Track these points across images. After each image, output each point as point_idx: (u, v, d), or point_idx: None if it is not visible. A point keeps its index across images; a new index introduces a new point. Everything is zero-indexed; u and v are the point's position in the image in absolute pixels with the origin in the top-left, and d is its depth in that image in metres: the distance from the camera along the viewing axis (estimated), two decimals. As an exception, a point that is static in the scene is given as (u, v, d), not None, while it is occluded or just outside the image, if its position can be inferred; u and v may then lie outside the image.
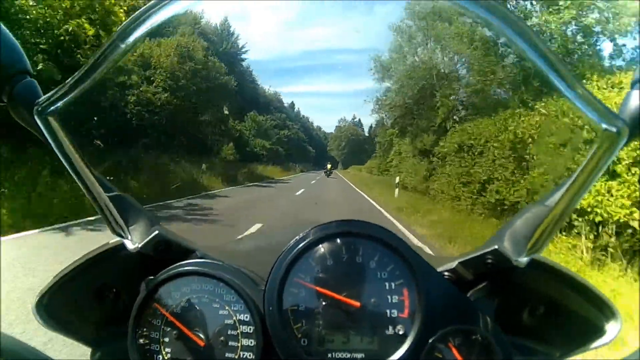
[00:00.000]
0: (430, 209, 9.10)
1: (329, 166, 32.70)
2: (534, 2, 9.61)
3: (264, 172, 24.72)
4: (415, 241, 5.13)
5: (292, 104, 59.69)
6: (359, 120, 57.88)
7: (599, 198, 4.30)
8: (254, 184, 17.64)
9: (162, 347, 0.47)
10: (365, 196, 13.62)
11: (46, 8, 7.43)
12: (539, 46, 0.34)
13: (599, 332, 0.46)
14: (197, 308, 0.47)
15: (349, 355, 0.44)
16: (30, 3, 7.26)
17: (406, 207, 9.33)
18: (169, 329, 0.47)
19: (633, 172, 4.20)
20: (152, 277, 0.47)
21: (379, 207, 10.26)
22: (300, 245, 0.45)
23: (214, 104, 15.72)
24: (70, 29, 7.47)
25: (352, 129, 56.90)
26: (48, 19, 7.42)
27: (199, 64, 14.36)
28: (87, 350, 0.54)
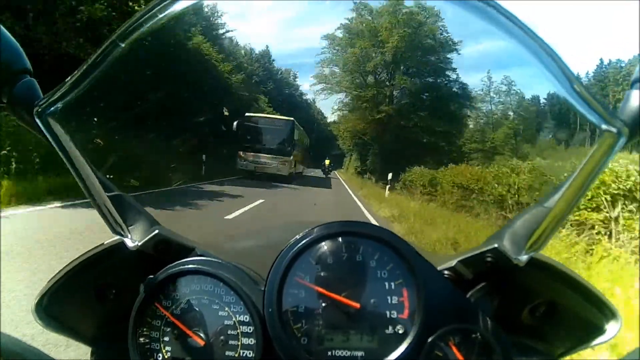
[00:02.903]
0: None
1: (327, 162, 19.95)
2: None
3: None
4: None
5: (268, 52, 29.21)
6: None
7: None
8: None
9: (162, 347, 0.47)
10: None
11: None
12: (539, 45, 0.34)
13: (598, 331, 0.46)
14: (197, 308, 0.47)
15: (348, 354, 0.44)
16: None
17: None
18: (169, 328, 0.47)
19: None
20: (152, 277, 0.47)
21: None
22: (300, 244, 0.45)
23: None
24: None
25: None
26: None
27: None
28: (87, 350, 0.54)
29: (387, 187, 11.84)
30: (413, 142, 12.72)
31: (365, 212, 8.24)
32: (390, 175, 11.60)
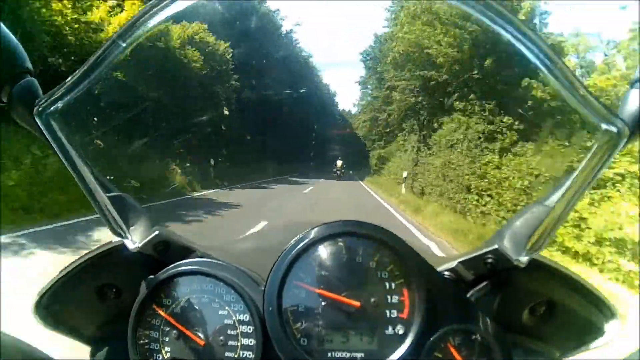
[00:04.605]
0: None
1: (339, 163, 20.65)
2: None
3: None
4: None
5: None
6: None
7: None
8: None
9: (162, 347, 0.47)
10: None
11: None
12: (539, 45, 0.34)
13: (598, 332, 0.46)
14: (197, 308, 0.47)
15: (348, 355, 0.44)
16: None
17: None
18: (168, 328, 0.47)
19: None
20: (152, 277, 0.47)
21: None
22: (300, 245, 0.45)
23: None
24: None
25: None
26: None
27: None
28: (87, 350, 0.55)
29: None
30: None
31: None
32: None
